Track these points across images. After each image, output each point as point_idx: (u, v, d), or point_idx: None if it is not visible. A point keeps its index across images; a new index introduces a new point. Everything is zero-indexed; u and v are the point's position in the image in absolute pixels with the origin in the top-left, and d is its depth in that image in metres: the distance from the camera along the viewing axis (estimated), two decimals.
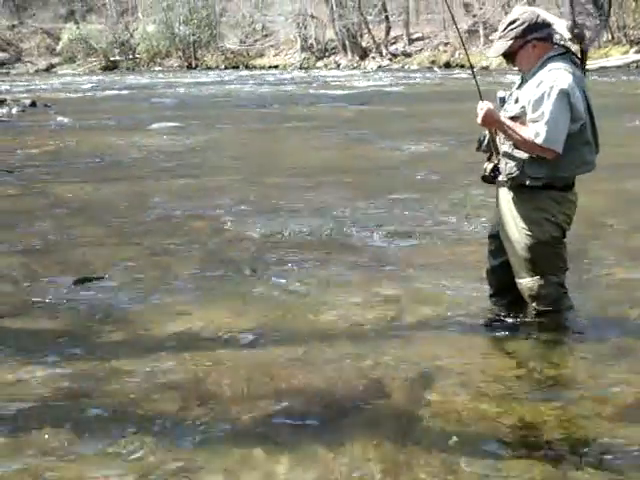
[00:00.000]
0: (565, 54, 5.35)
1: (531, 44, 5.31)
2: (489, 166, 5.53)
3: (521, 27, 5.31)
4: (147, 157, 15.20)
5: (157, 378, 5.00)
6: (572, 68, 5.26)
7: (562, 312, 5.64)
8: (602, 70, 39.80)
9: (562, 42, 5.47)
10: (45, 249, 8.33)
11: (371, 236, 8.44)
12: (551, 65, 5.25)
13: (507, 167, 5.39)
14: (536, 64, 5.33)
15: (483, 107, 5.28)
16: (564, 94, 5.11)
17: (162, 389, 4.83)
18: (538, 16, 5.34)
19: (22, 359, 5.36)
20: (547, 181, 5.28)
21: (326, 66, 61.35)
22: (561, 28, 5.39)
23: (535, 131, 5.15)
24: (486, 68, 42.21)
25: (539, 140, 5.13)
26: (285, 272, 7.23)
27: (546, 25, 5.34)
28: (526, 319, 5.69)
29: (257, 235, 8.58)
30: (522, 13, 5.38)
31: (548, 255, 5.45)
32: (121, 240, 8.62)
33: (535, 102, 5.19)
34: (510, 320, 5.72)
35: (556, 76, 5.17)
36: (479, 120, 5.31)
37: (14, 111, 26.31)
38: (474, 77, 5.72)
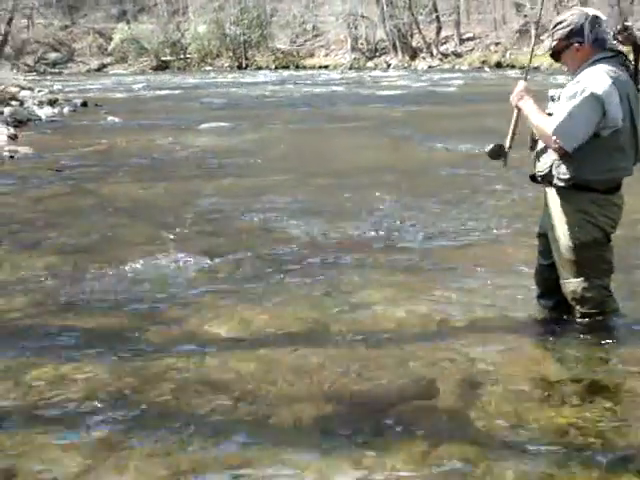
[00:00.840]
0: (614, 57, 5.27)
1: (575, 46, 5.29)
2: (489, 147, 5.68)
3: (566, 29, 5.29)
4: (196, 157, 15.25)
5: (200, 377, 5.01)
6: (617, 72, 5.18)
7: (607, 315, 5.56)
8: None
9: (613, 45, 5.40)
10: (92, 248, 8.38)
11: (417, 237, 8.40)
12: (595, 67, 5.20)
13: (538, 165, 5.46)
14: (581, 66, 5.29)
15: (520, 85, 5.46)
16: (594, 98, 5.07)
17: (205, 389, 4.83)
18: (586, 19, 5.27)
19: (69, 356, 5.40)
20: (576, 182, 5.25)
21: (376, 66, 61.32)
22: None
23: (551, 121, 5.18)
24: (537, 68, 41.88)
25: (549, 129, 5.16)
26: (329, 273, 7.22)
27: (594, 28, 5.26)
28: (573, 322, 5.62)
29: (303, 235, 8.57)
30: (570, 14, 5.34)
31: (591, 257, 5.38)
32: (167, 240, 8.62)
33: (565, 99, 5.19)
34: (557, 322, 5.65)
35: (593, 79, 5.12)
36: (512, 96, 5.49)
37: (65, 111, 26.57)
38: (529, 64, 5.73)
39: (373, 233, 8.61)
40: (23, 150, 15.95)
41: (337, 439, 4.21)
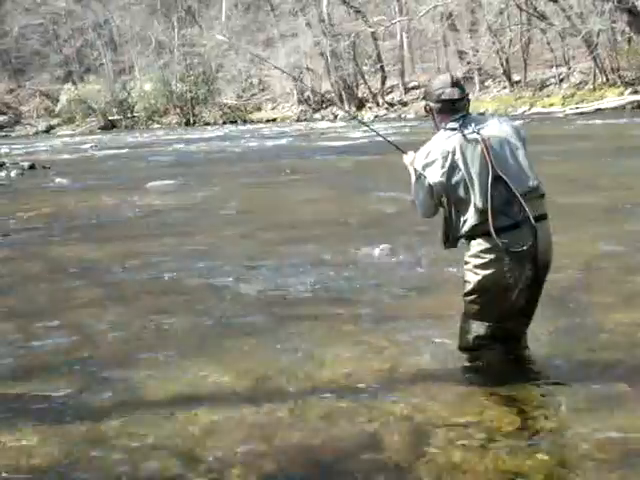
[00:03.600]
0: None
1: None
2: None
3: None
4: (143, 216, 15.21)
5: (150, 439, 4.97)
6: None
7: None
8: (598, 112, 40.06)
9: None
10: (40, 311, 8.32)
11: (367, 288, 8.41)
12: None
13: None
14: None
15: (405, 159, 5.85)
16: None
17: (155, 451, 4.79)
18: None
19: (11, 422, 5.36)
20: None
21: (323, 117, 61.65)
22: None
23: None
24: (482, 114, 42.36)
25: None
26: (278, 328, 7.22)
27: None
28: (519, 367, 5.66)
29: (253, 292, 8.58)
30: None
31: None
32: (117, 301, 8.58)
33: None
34: (504, 368, 5.67)
35: None
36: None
37: (13, 174, 26.38)
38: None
39: (320, 286, 8.64)
40: None
41: None
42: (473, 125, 5.37)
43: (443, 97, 5.44)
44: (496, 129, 5.42)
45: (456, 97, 5.43)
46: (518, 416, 4.99)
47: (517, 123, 5.67)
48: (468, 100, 5.54)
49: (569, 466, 4.31)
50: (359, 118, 38.12)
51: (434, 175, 5.31)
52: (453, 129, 5.37)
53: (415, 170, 5.49)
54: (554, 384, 5.48)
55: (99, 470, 4.61)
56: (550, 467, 4.29)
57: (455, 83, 5.51)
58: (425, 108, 5.67)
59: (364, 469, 4.44)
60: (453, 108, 5.45)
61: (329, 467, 4.51)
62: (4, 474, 4.61)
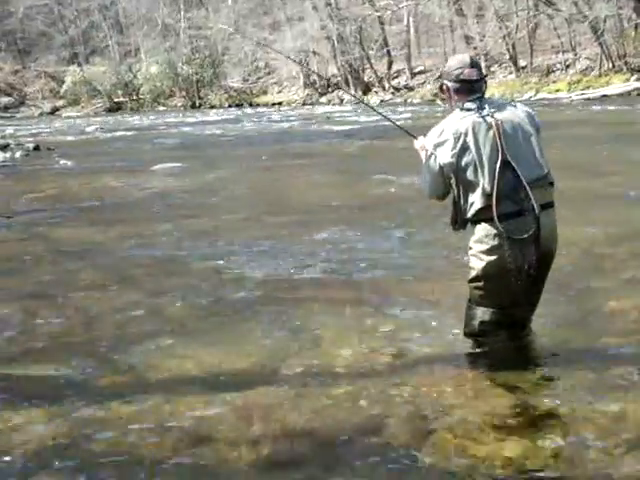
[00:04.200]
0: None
1: None
2: None
3: None
4: (148, 199, 15.21)
5: (152, 421, 4.98)
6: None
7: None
8: (604, 98, 39.98)
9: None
10: (44, 293, 8.31)
11: (368, 271, 8.42)
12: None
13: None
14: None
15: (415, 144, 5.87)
16: None
17: (157, 432, 4.80)
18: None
19: (19, 404, 5.37)
20: None
21: (329, 102, 61.55)
22: None
23: None
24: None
25: None
26: (281, 311, 7.23)
27: None
28: (519, 351, 5.67)
29: (255, 274, 8.58)
30: None
31: None
32: (121, 283, 8.58)
33: None
34: (504, 353, 5.68)
35: None
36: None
37: (17, 155, 26.33)
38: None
39: (325, 270, 8.64)
40: None
41: (293, 477, 4.24)
42: (488, 107, 5.35)
43: (462, 77, 5.42)
44: (511, 114, 5.41)
45: (474, 78, 5.42)
46: (521, 401, 4.98)
47: (532, 110, 5.62)
48: (485, 82, 5.52)
49: (572, 451, 4.30)
50: (366, 102, 38.02)
51: (444, 155, 5.30)
52: (469, 109, 5.35)
53: (426, 150, 5.47)
54: (558, 369, 5.47)
55: (101, 451, 4.61)
56: (553, 452, 4.28)
57: (474, 64, 5.50)
58: (441, 87, 5.61)
59: (366, 452, 4.43)
60: (471, 89, 5.43)
61: (331, 450, 4.51)
62: (7, 454, 4.62)
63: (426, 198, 5.78)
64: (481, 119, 5.29)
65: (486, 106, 5.36)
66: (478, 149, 5.23)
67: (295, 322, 6.87)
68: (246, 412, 5.03)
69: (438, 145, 5.35)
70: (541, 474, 4.07)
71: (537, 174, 5.31)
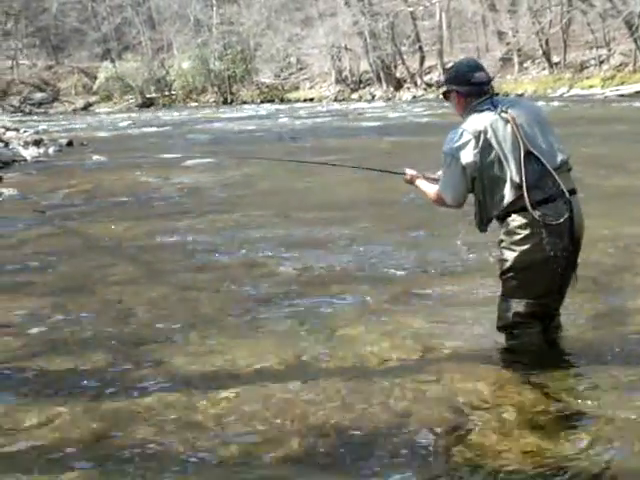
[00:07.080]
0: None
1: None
2: None
3: None
4: (180, 194, 15.27)
5: (183, 416, 5.00)
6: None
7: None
8: (638, 94, 39.69)
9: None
10: (77, 288, 8.36)
11: (399, 268, 8.41)
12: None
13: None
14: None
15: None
16: None
17: (187, 428, 4.82)
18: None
19: (52, 398, 5.42)
20: None
21: (361, 98, 61.50)
22: None
23: None
24: (521, 95, 42.12)
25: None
26: (312, 306, 7.25)
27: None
28: (554, 350, 5.64)
29: (286, 269, 8.60)
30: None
31: None
32: (152, 278, 8.63)
33: None
34: (540, 350, 5.66)
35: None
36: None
37: (51, 151, 26.46)
38: None
39: (356, 265, 8.64)
40: (8, 192, 15.92)
41: (324, 473, 4.24)
42: (500, 105, 5.44)
43: (473, 80, 5.52)
44: (522, 108, 5.54)
45: (484, 80, 5.55)
46: (553, 399, 4.95)
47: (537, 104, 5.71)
48: (491, 84, 5.64)
49: (601, 450, 4.27)
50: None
51: (467, 155, 5.37)
52: (483, 110, 5.44)
53: (444, 156, 5.53)
54: (587, 367, 5.44)
55: (131, 446, 4.63)
56: (585, 451, 4.26)
57: (481, 67, 5.67)
58: (445, 93, 5.78)
59: (395, 449, 4.42)
60: (482, 91, 5.53)
61: (360, 446, 4.50)
62: (38, 450, 4.65)
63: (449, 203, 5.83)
64: (497, 116, 5.37)
65: (499, 104, 5.45)
66: (500, 144, 5.30)
67: (326, 318, 6.88)
68: (276, 408, 5.04)
69: (460, 148, 5.41)
70: (570, 472, 4.05)
71: (560, 160, 5.40)
